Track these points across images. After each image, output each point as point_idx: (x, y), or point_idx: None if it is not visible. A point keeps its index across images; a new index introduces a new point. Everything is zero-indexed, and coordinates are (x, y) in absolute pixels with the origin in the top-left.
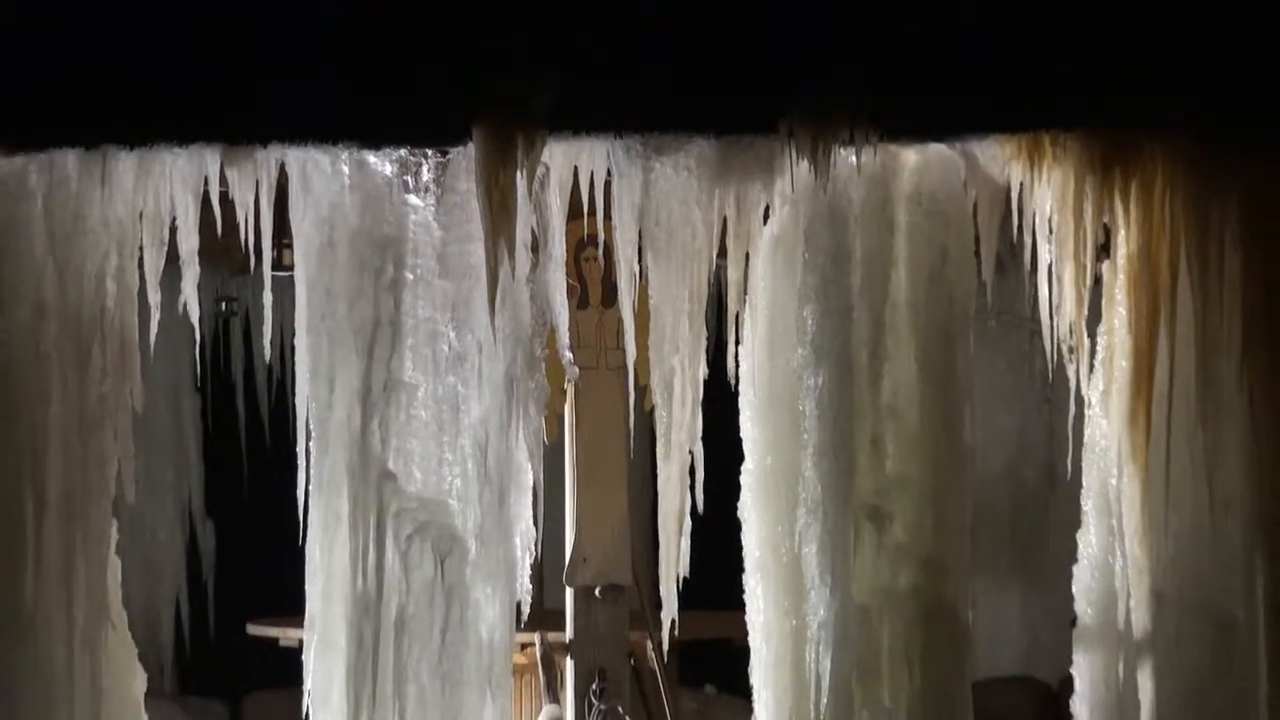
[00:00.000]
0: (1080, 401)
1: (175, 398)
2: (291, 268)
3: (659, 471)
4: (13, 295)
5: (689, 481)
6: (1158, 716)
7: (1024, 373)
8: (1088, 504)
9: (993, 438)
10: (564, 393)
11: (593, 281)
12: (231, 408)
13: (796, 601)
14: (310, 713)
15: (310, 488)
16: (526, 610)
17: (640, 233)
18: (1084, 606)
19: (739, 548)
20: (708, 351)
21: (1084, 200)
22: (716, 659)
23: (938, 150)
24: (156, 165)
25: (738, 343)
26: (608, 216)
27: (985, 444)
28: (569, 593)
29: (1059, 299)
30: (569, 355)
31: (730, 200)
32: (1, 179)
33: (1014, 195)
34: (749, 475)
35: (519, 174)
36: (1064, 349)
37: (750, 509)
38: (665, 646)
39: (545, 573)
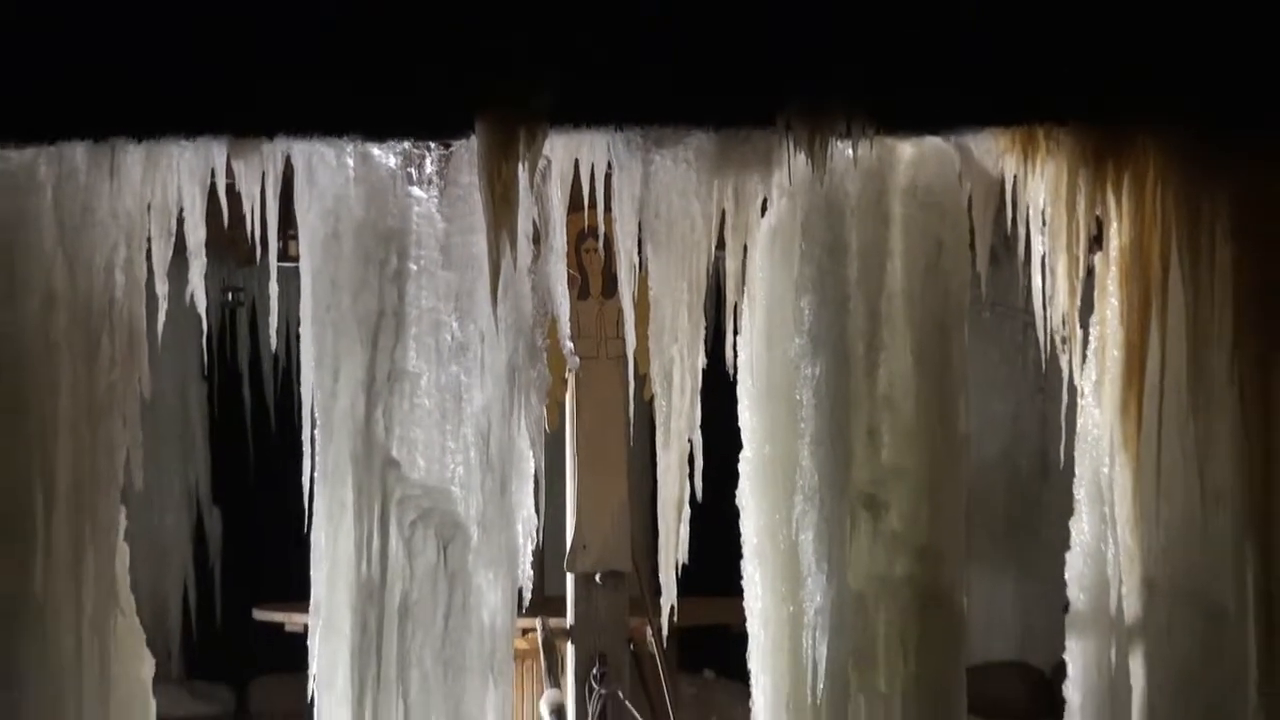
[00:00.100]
0: (1073, 391)
1: (183, 387)
2: (297, 259)
3: (658, 459)
4: (23, 286)
5: (688, 469)
6: (1149, 703)
7: (1018, 363)
8: (1080, 492)
9: (987, 427)
10: (565, 382)
11: (593, 272)
12: (238, 397)
13: (794, 588)
14: (315, 697)
15: (315, 475)
16: (528, 596)
17: (640, 224)
18: (1076, 593)
19: (737, 535)
20: (706, 341)
21: (1077, 193)
22: (715, 644)
23: (933, 144)
24: (164, 158)
25: (736, 333)
26: (608, 209)
27: (980, 433)
28: (570, 579)
29: (1052, 290)
30: (570, 345)
31: (729, 193)
32: (11, 171)
33: (1008, 188)
34: (747, 463)
35: (521, 167)
36: (1057, 340)
37: (748, 497)
38: (664, 632)
39: (546, 559)
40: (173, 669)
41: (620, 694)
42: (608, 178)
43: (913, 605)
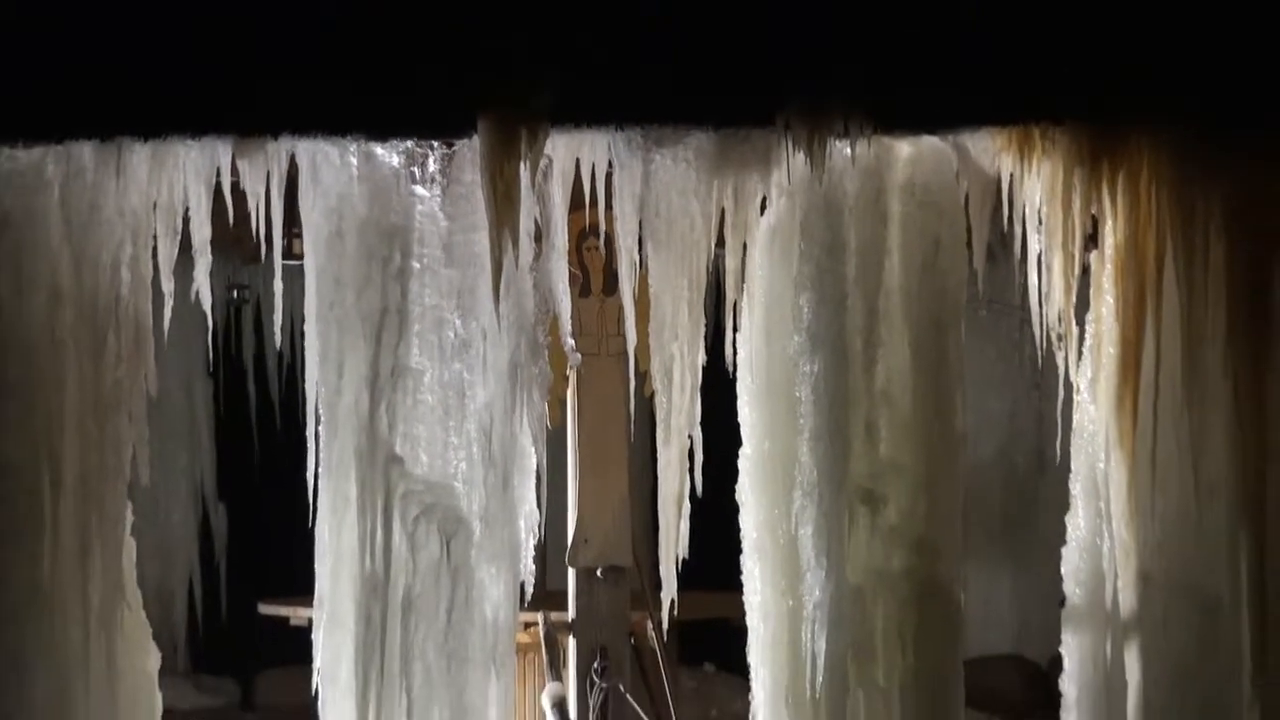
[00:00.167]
0: (1069, 388)
1: (188, 383)
2: (301, 256)
3: (659, 455)
4: (30, 283)
5: (688, 465)
6: (1144, 695)
7: (1014, 360)
8: (1076, 487)
9: (984, 423)
10: (566, 379)
11: (594, 270)
12: (243, 393)
13: (793, 582)
14: (320, 690)
15: (320, 471)
16: (530, 590)
17: (640, 223)
18: (1072, 587)
19: (737, 530)
20: (706, 338)
21: (1072, 192)
22: (715, 638)
23: (930, 143)
24: (170, 157)
25: (735, 330)
26: (609, 207)
27: (976, 429)
28: (571, 573)
29: (1048, 288)
30: (571, 342)
31: (728, 191)
32: (20, 170)
33: (1004, 187)
34: (746, 459)
35: (523, 166)
36: (1053, 337)
37: (748, 492)
38: (665, 626)
39: (548, 554)
40: (178, 662)
41: (621, 687)
42: (609, 176)
43: (911, 599)
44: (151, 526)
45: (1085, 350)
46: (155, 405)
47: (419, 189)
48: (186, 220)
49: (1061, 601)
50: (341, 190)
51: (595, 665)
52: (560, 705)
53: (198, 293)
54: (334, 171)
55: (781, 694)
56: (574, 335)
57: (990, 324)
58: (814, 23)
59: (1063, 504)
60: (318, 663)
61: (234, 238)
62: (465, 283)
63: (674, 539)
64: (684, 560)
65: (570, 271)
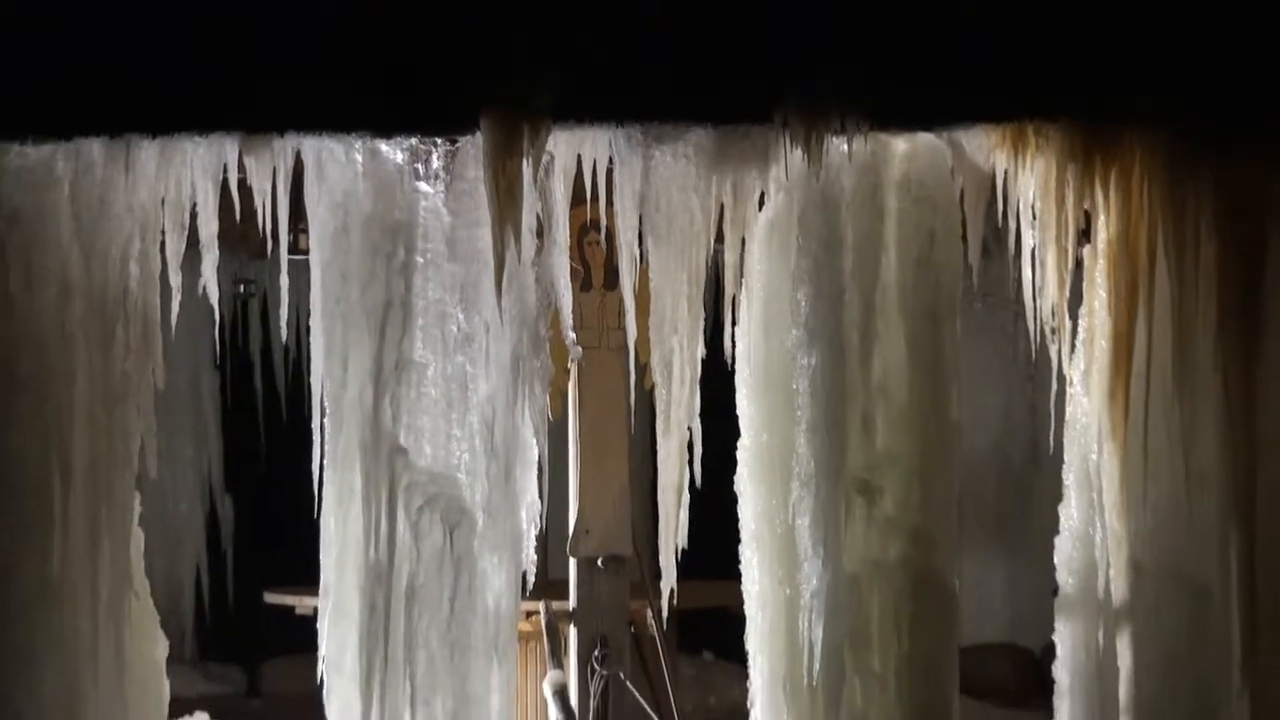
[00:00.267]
0: (1062, 380)
1: (195, 376)
2: (307, 252)
3: (659, 447)
4: (40, 276)
5: (687, 456)
6: (1136, 682)
7: (1008, 353)
8: (1069, 478)
9: (978, 415)
10: (567, 372)
11: (595, 265)
12: (249, 386)
13: (790, 572)
14: (325, 677)
15: (325, 462)
16: (531, 580)
17: (641, 218)
18: (1065, 576)
19: (735, 520)
20: (705, 332)
21: (1066, 188)
22: (714, 627)
23: (926, 139)
24: (178, 154)
25: (734, 324)
26: (609, 203)
27: (971, 421)
28: (572, 563)
29: (1042, 282)
30: (572, 336)
31: (727, 187)
32: (30, 166)
33: (999, 182)
34: (745, 451)
35: (525, 163)
36: (1047, 330)
37: (746, 483)
38: (664, 615)
39: (549, 544)
40: (186, 650)
41: (621, 675)
42: (609, 173)
43: (906, 588)
44: (160, 517)
45: (1078, 343)
46: (163, 398)
47: (423, 185)
48: (194, 215)
49: (1055, 590)
50: (346, 186)
51: (596, 653)
52: (561, 692)
53: (205, 287)
54: (339, 168)
55: (779, 681)
56: (575, 329)
57: (985, 318)
58: (811, 22)
59: (1056, 495)
60: (323, 651)
61: (241, 233)
62: (468, 277)
63: (673, 529)
64: (683, 550)
65: (571, 266)
